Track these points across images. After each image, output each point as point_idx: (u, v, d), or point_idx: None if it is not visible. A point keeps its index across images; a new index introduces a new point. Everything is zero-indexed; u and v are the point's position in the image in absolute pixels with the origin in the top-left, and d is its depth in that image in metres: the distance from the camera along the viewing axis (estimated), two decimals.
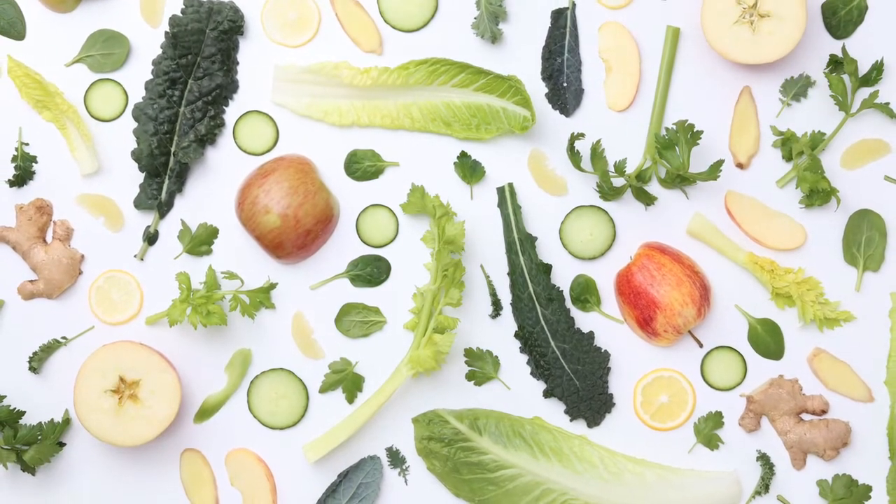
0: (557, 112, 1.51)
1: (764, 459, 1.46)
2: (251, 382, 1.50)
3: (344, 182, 1.51)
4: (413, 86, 1.50)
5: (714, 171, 1.43)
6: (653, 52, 1.51)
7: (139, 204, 1.50)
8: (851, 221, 1.50)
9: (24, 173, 1.49)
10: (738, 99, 1.51)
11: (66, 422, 1.48)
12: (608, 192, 1.49)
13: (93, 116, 1.51)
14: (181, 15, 1.49)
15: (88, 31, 1.51)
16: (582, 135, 1.46)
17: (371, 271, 1.50)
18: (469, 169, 1.48)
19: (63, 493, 1.49)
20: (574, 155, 1.46)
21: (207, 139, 1.50)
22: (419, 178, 1.51)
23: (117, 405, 1.43)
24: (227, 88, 1.51)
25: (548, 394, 1.49)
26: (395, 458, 1.48)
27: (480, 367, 1.49)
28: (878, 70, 1.48)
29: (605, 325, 1.50)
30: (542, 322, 1.48)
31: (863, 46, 1.51)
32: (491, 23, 1.49)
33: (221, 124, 1.51)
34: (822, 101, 1.51)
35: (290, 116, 1.52)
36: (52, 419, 1.47)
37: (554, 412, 1.50)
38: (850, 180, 1.50)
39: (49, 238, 1.51)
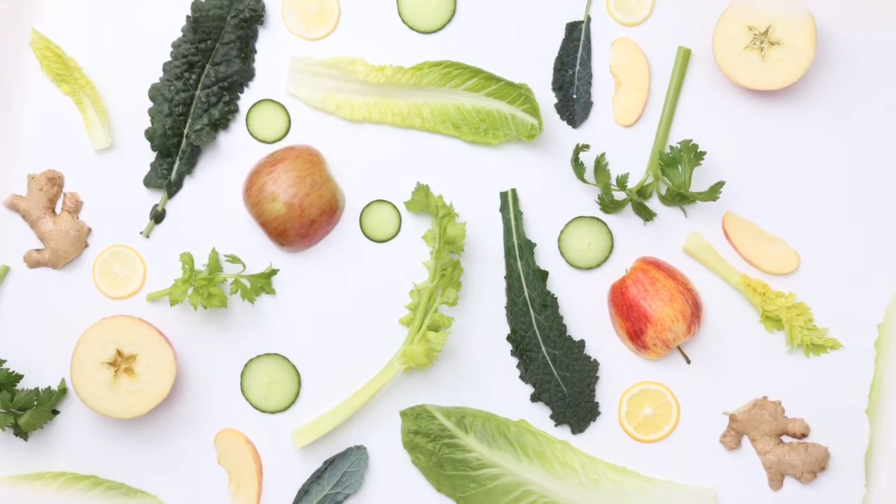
0: (565, 123, 1.53)
1: None
2: (246, 365, 1.51)
3: (350, 175, 1.53)
4: (426, 86, 1.51)
5: (714, 192, 1.45)
6: (663, 70, 1.53)
7: (149, 182, 1.52)
8: None
9: None
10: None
11: (63, 391, 1.50)
12: (609, 204, 1.50)
13: None
14: (203, 0, 1.51)
15: (112, 8, 1.53)
16: (587, 146, 1.48)
17: None
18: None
19: (53, 460, 1.51)
20: (578, 166, 1.47)
21: (220, 124, 1.52)
22: (425, 177, 1.53)
23: (113, 377, 1.44)
24: (244, 76, 1.53)
25: (535, 398, 1.50)
26: None
27: None
28: None
29: (597, 334, 1.52)
30: (535, 327, 1.50)
31: None
32: None
33: (235, 110, 1.53)
34: None
35: (303, 107, 1.53)
36: (49, 387, 1.49)
37: (540, 416, 1.51)
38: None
39: (58, 209, 1.52)
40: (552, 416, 1.50)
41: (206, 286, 1.45)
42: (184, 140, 1.52)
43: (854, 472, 1.50)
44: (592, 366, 1.50)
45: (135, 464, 1.51)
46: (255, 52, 1.53)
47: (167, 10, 1.53)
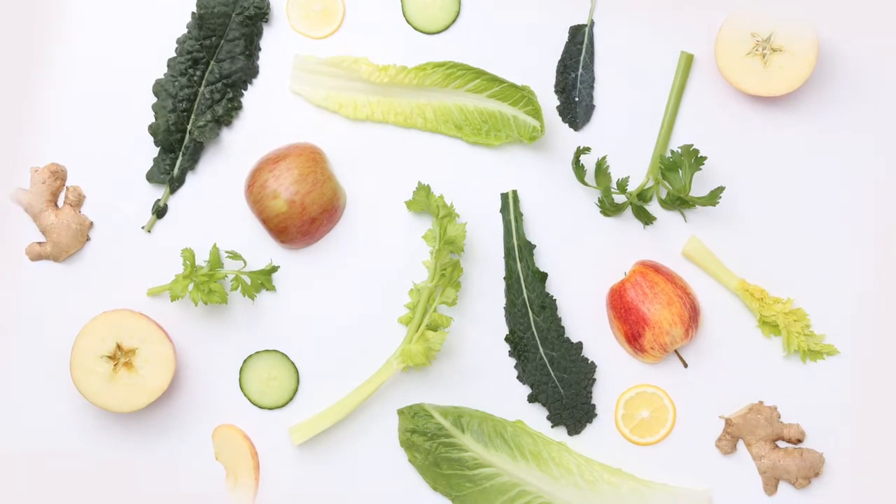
0: (567, 125, 1.53)
1: None
2: (244, 361, 1.51)
3: (352, 174, 1.53)
4: (429, 87, 1.52)
5: (714, 196, 1.45)
6: (665, 75, 1.54)
7: (151, 177, 1.53)
8: None
9: None
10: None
11: None
12: (609, 207, 1.51)
13: None
14: None
15: (118, 4, 1.54)
16: (588, 149, 1.48)
17: None
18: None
19: (51, 453, 1.51)
20: (579, 168, 1.48)
21: (224, 120, 1.53)
22: (426, 177, 1.53)
23: (112, 371, 1.45)
24: (247, 73, 1.53)
25: (532, 399, 1.51)
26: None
27: None
28: None
29: (595, 336, 1.52)
30: (533, 328, 1.50)
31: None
32: None
33: (238, 107, 1.53)
34: None
35: (306, 106, 1.54)
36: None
37: (536, 417, 1.51)
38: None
39: (60, 203, 1.53)
40: (549, 417, 1.51)
41: (206, 282, 1.45)
42: (187, 136, 1.52)
43: (849, 478, 1.50)
44: (590, 368, 1.51)
45: (133, 458, 1.51)
46: (260, 49, 1.54)
47: (172, 7, 1.54)
